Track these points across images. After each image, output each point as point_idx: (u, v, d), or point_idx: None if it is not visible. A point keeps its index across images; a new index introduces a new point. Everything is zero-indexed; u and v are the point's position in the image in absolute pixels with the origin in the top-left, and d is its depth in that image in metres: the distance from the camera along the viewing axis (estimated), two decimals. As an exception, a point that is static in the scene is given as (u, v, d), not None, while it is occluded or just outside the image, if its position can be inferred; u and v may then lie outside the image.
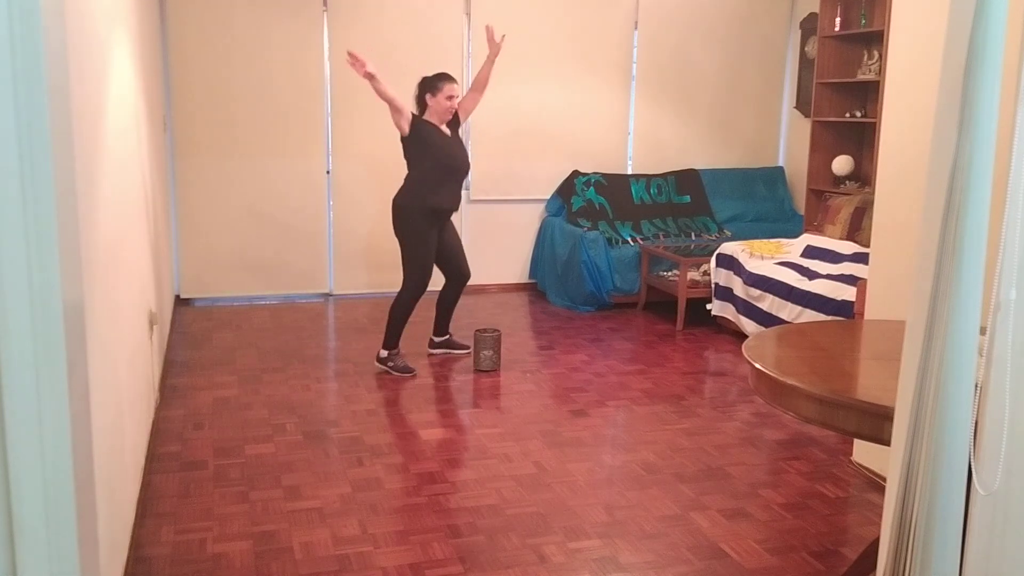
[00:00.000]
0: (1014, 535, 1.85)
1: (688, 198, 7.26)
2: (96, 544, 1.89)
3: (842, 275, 5.19)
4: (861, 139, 6.64)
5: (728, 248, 6.00)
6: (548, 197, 7.15)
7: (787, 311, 5.27)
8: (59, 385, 1.40)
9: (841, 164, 6.57)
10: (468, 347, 5.35)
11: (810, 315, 5.07)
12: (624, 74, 7.20)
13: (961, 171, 1.71)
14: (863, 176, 6.53)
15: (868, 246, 3.96)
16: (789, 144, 7.66)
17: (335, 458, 3.85)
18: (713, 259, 6.08)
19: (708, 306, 6.10)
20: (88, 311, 2.04)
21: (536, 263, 7.15)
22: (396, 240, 5.01)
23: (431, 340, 5.42)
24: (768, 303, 5.44)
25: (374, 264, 6.79)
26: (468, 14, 6.75)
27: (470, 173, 6.18)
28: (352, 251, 6.80)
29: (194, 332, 5.78)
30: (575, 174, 7.06)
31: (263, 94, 6.42)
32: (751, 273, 5.63)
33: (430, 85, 4.92)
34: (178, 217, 6.40)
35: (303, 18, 6.43)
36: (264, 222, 6.57)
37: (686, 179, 7.33)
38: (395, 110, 4.77)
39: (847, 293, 4.84)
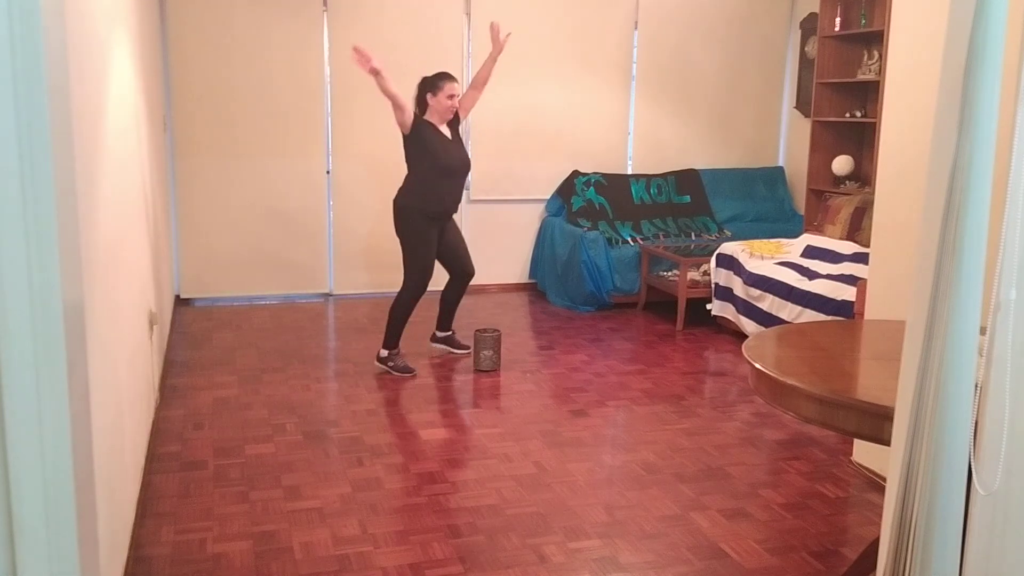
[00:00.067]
0: (1014, 535, 1.85)
1: (688, 198, 7.26)
2: (96, 544, 1.89)
3: (842, 275, 5.19)
4: (861, 139, 6.64)
5: (728, 248, 6.00)
6: (548, 197, 7.15)
7: (787, 311, 5.27)
8: (59, 385, 1.40)
9: (841, 164, 6.57)
10: (468, 347, 5.35)
11: (810, 315, 5.07)
12: (624, 74, 7.20)
13: (961, 171, 1.71)
14: (863, 176, 6.53)
15: (868, 246, 3.96)
16: (789, 144, 7.66)
17: (335, 458, 3.85)
18: (713, 259, 6.08)
19: (708, 306, 6.10)
20: (88, 311, 2.04)
21: (536, 263, 7.15)
22: (396, 240, 5.01)
23: (434, 334, 5.43)
24: (768, 303, 5.44)
25: (374, 264, 6.79)
26: (468, 14, 6.75)
27: (470, 173, 6.17)
28: (352, 251, 6.80)
29: (194, 332, 5.78)
30: (575, 174, 7.06)
31: (263, 94, 6.42)
32: (751, 273, 5.63)
33: (431, 85, 4.92)
34: (178, 217, 6.40)
35: (303, 18, 6.43)
36: (264, 222, 6.57)
37: (686, 179, 7.33)
38: (398, 108, 4.77)
39: (847, 293, 4.84)
